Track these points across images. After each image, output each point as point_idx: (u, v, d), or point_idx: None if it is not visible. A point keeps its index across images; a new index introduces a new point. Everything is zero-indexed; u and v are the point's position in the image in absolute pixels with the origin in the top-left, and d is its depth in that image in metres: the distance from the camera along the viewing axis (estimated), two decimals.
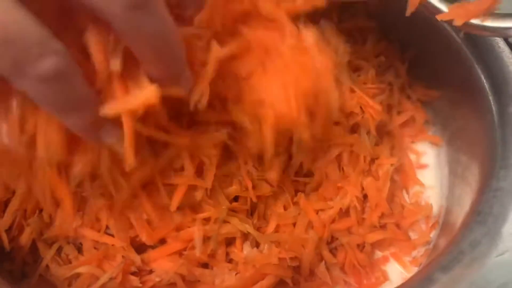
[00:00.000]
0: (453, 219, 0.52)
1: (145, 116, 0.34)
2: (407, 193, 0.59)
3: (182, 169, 0.45)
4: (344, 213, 0.52)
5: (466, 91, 0.56)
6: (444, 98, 0.62)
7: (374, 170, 0.54)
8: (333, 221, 0.51)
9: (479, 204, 0.44)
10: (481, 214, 0.43)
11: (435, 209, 0.58)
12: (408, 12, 0.47)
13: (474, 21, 0.43)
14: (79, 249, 0.48)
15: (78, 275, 0.46)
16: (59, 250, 0.48)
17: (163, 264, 0.47)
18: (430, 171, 0.61)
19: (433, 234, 0.56)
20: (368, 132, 0.55)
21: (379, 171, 0.54)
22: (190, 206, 0.46)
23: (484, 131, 0.52)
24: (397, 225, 0.55)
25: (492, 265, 0.39)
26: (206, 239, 0.46)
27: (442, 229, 0.55)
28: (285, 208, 0.50)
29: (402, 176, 0.60)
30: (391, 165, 0.55)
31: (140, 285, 0.46)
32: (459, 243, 0.41)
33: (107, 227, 0.46)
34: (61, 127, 0.33)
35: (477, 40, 0.53)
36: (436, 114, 0.64)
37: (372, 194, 0.52)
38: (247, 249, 0.49)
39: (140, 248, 0.47)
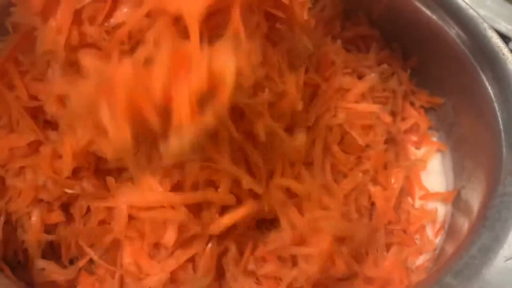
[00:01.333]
0: (460, 224, 0.53)
1: None
2: (413, 199, 0.60)
3: None
4: None
5: (470, 98, 0.57)
6: (448, 104, 0.63)
7: (381, 178, 0.55)
8: None
9: (487, 210, 0.45)
10: (489, 220, 0.44)
11: (440, 215, 0.58)
12: None
13: None
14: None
15: None
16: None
17: None
18: (435, 176, 0.62)
19: (438, 240, 0.56)
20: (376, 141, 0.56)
21: (386, 179, 0.55)
22: None
23: (489, 137, 0.52)
24: (404, 231, 0.56)
25: (502, 269, 0.39)
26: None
27: (448, 234, 0.56)
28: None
29: (407, 182, 0.60)
30: (399, 173, 0.55)
31: None
32: (468, 248, 0.42)
33: None
34: None
35: (482, 47, 0.54)
36: (440, 121, 0.65)
37: (380, 204, 0.53)
38: None
39: None
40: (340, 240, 0.47)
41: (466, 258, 0.41)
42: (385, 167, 0.56)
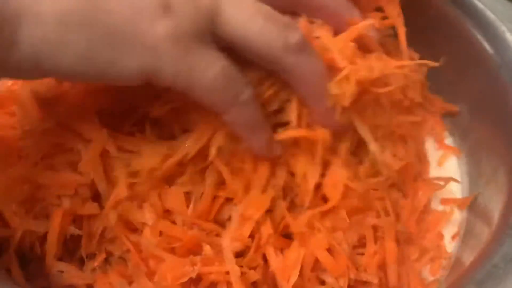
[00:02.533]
0: (477, 231, 0.52)
1: None
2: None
3: None
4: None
5: (488, 102, 0.56)
6: (463, 109, 0.62)
7: (409, 191, 0.55)
8: None
9: (509, 217, 0.44)
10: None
11: (456, 220, 0.57)
12: None
13: None
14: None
15: None
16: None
17: None
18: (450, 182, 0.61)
19: (454, 246, 0.55)
20: None
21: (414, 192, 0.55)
22: None
23: (508, 142, 0.52)
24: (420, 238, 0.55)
25: None
26: None
27: (464, 241, 0.55)
28: None
29: None
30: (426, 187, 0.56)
31: None
32: (491, 257, 0.41)
33: None
34: None
35: (501, 51, 0.54)
36: (455, 125, 0.64)
37: (406, 215, 0.53)
38: None
39: None
40: None
41: (488, 266, 0.40)
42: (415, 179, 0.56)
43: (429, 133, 0.64)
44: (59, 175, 0.45)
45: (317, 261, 0.45)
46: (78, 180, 0.45)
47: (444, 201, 0.58)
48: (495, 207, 0.50)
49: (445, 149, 0.63)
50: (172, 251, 0.44)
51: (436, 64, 0.55)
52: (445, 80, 0.63)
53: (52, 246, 0.45)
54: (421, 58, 0.65)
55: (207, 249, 0.44)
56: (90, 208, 0.45)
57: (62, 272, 0.44)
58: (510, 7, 0.79)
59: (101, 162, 0.45)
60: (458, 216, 0.57)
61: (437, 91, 0.65)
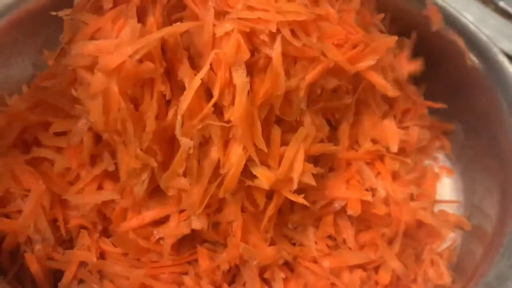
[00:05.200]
0: (473, 249, 0.52)
1: None
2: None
3: None
4: None
5: (483, 120, 0.57)
6: (458, 127, 0.63)
7: None
8: None
9: (502, 237, 0.45)
10: (504, 247, 0.44)
11: (450, 238, 0.58)
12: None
13: None
14: None
15: None
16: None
17: None
18: (445, 199, 0.62)
19: (448, 265, 0.55)
20: None
21: None
22: None
23: (502, 161, 0.53)
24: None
25: None
26: None
27: (459, 258, 0.55)
28: None
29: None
30: None
31: None
32: (485, 276, 0.42)
33: None
34: None
35: (494, 71, 0.56)
36: (451, 143, 0.65)
37: None
38: None
39: None
40: None
41: (482, 286, 0.41)
42: None
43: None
44: None
45: None
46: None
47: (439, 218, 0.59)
48: (488, 225, 0.50)
49: (439, 168, 0.64)
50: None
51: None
52: (441, 100, 0.64)
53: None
54: (416, 79, 0.66)
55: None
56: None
57: None
58: (502, 22, 0.81)
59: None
60: (452, 234, 0.57)
61: (433, 110, 0.65)
